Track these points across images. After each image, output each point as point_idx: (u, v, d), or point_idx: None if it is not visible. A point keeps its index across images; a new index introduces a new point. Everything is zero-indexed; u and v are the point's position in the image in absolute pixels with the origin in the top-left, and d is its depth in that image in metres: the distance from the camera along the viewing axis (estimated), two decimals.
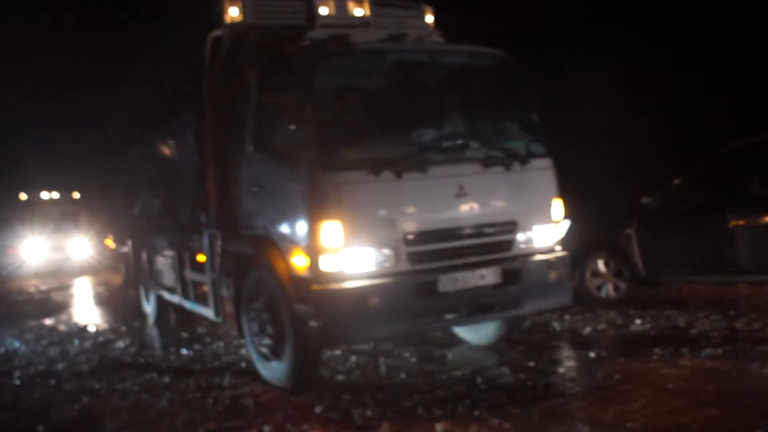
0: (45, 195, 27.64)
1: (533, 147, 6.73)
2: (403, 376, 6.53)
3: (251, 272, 6.67)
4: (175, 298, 9.39)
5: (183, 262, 8.77)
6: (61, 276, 21.63)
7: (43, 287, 18.30)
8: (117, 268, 15.17)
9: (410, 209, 6.09)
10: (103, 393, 6.72)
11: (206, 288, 7.85)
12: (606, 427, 4.88)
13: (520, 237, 6.49)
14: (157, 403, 6.22)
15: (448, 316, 6.29)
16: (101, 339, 9.77)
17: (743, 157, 8.58)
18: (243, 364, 7.45)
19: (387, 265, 5.87)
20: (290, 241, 6.04)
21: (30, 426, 5.79)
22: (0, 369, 8.18)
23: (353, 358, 7.25)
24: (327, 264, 5.73)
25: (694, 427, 4.78)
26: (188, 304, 8.91)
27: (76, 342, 9.61)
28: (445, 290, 6.02)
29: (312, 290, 5.73)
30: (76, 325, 11.33)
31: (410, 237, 5.95)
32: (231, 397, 6.20)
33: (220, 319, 7.62)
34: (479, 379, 6.25)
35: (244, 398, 6.14)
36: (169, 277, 9.49)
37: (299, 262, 5.91)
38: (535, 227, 6.56)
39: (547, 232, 6.66)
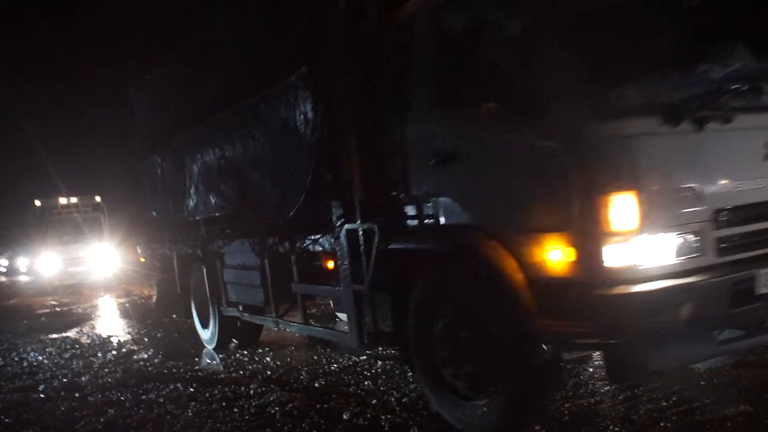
0: (63, 200, 26.02)
1: None
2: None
3: (428, 278, 5.14)
4: (267, 321, 8.04)
5: (280, 272, 7.17)
6: (81, 292, 20.97)
7: (62, 304, 18.39)
8: (150, 283, 14.90)
9: (716, 175, 4.39)
10: (128, 405, 6.72)
11: (330, 305, 7.31)
12: None
13: None
14: (183, 414, 6.22)
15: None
16: (124, 350, 9.85)
17: None
18: (268, 372, 7.47)
19: (693, 256, 4.24)
20: (529, 229, 4.37)
21: None
22: (24, 383, 8.26)
23: (379, 363, 7.26)
24: (614, 257, 4.07)
25: None
26: (295, 328, 7.61)
27: (99, 354, 9.71)
28: (765, 292, 4.35)
29: (589, 296, 4.08)
30: (98, 337, 11.43)
31: (722, 215, 4.31)
32: (257, 406, 6.19)
33: (363, 349, 6.41)
34: None
35: (269, 407, 6.13)
36: (249, 293, 7.95)
37: (556, 256, 4.25)
38: None
39: None
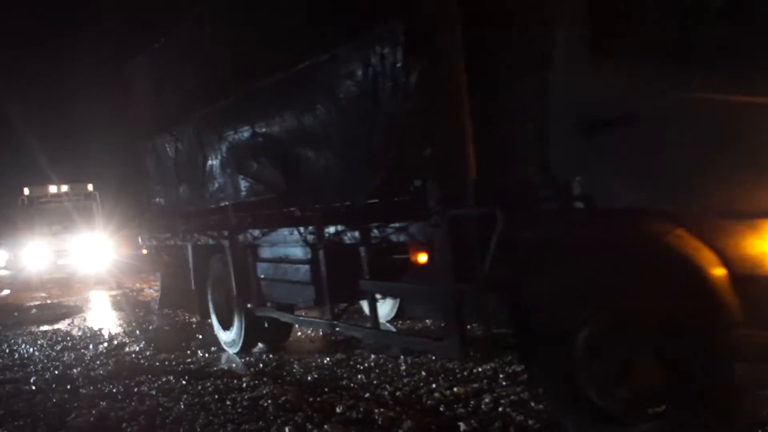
0: (53, 189, 24.73)
1: None
2: (423, 373, 6.54)
3: (573, 276, 4.14)
4: (318, 324, 7.37)
5: (339, 266, 6.23)
6: (71, 285, 20.71)
7: (52, 296, 18.39)
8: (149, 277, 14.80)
9: None
10: (120, 397, 6.74)
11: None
12: None
13: None
14: (175, 406, 6.23)
15: None
16: (115, 343, 9.88)
17: None
18: (260, 365, 7.51)
19: None
20: (739, 213, 3.43)
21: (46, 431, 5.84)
22: (15, 374, 8.30)
23: (372, 357, 7.30)
24: None
25: None
26: (362, 333, 6.91)
27: (91, 346, 9.73)
28: None
29: None
30: (90, 329, 11.45)
31: None
32: (249, 399, 6.21)
33: (465, 360, 6.00)
34: (501, 375, 6.23)
35: (262, 400, 6.14)
36: (293, 291, 6.95)
37: None
38: None
39: None
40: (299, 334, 9.08)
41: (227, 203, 7.77)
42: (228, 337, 8.53)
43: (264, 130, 6.81)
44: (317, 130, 5.98)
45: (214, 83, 7.60)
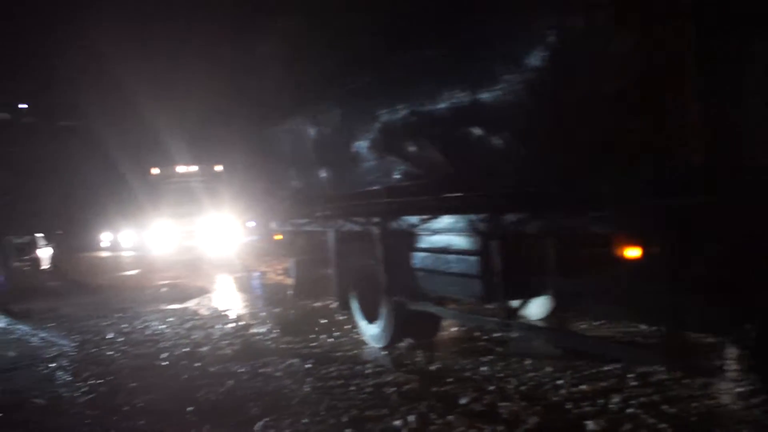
0: (181, 168, 24.46)
1: None
2: (549, 369, 6.46)
3: None
4: (486, 322, 6.58)
5: (515, 259, 5.60)
6: (198, 266, 20.89)
7: (179, 277, 19.07)
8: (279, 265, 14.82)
9: None
10: (246, 377, 6.96)
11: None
12: None
13: None
14: (300, 389, 6.38)
15: None
16: (242, 324, 10.20)
17: None
18: (384, 353, 7.58)
19: None
20: None
21: (178, 407, 6.06)
22: (148, 349, 8.71)
23: (499, 349, 7.26)
24: None
25: None
26: (544, 336, 6.46)
27: (218, 326, 10.08)
28: None
29: None
30: (217, 310, 11.84)
31: None
32: (373, 385, 6.29)
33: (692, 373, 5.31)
34: (630, 375, 6.07)
35: (386, 387, 6.22)
36: (457, 285, 6.33)
37: None
38: None
39: None
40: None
41: (377, 187, 7.13)
42: (372, 330, 7.99)
43: (424, 106, 6.07)
44: (494, 107, 5.19)
45: (364, 55, 7.08)
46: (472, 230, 5.87)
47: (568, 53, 4.49)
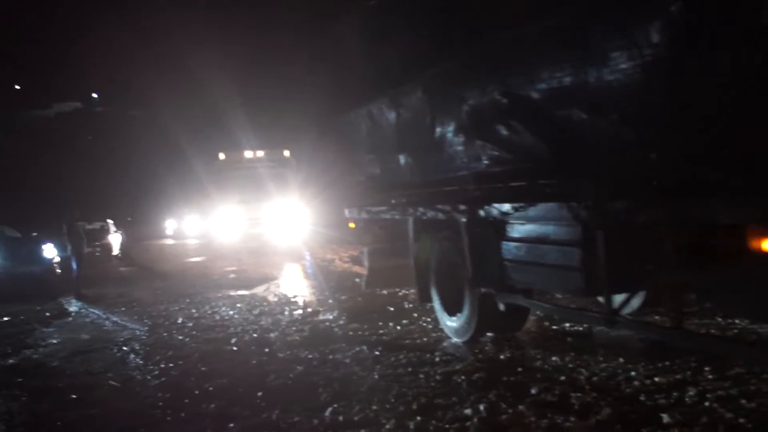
0: (248, 154, 23.61)
1: None
2: (621, 360, 6.38)
3: None
4: (586, 319, 6.43)
5: (624, 251, 5.16)
6: (264, 254, 20.78)
7: (246, 264, 19.31)
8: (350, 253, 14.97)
9: None
10: (315, 363, 7.03)
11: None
12: None
13: None
14: (369, 376, 6.43)
15: None
16: (309, 310, 10.30)
17: None
18: (452, 341, 7.58)
19: None
20: None
21: (248, 392, 6.15)
22: (217, 335, 8.87)
23: (569, 339, 7.20)
24: None
25: None
26: (658, 335, 5.76)
27: (286, 312, 10.21)
28: None
29: None
30: (284, 296, 11.99)
31: None
32: (442, 374, 6.30)
33: None
34: (706, 368, 5.92)
35: (455, 375, 6.22)
36: (554, 277, 5.93)
37: None
38: None
39: None
40: None
41: (462, 173, 6.77)
42: (455, 323, 7.63)
43: (519, 88, 5.70)
44: (601, 89, 4.81)
45: (452, 35, 6.73)
46: (573, 219, 5.39)
47: (694, 32, 4.05)
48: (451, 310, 7.69)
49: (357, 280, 11.61)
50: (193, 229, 31.84)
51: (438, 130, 7.07)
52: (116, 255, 25.43)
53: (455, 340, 7.58)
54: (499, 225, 6.46)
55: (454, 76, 6.80)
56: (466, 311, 7.35)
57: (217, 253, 22.39)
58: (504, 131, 5.96)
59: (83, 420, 5.76)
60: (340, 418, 5.32)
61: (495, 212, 6.34)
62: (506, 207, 6.16)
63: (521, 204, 5.96)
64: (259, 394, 6.07)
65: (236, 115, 27.52)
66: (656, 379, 5.72)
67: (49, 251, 16.50)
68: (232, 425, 5.31)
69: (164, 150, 42.39)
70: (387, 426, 5.06)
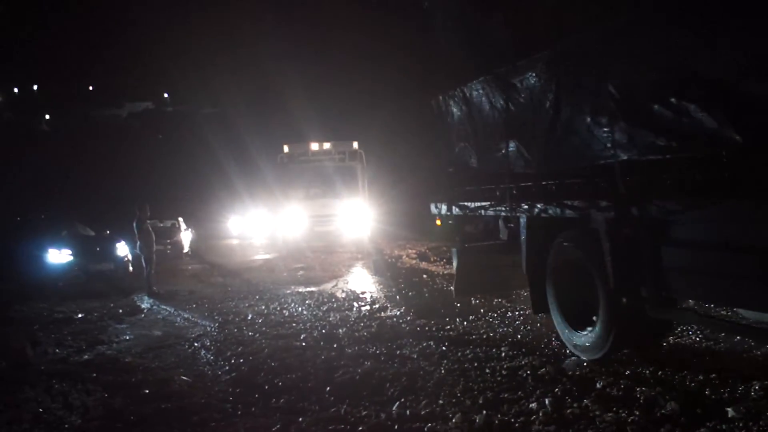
0: (314, 146, 22.25)
1: None
2: (687, 354, 6.39)
3: None
4: None
5: None
6: (333, 252, 20.64)
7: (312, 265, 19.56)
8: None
9: None
10: (383, 358, 7.20)
11: None
12: None
13: None
14: (436, 371, 6.56)
15: None
16: (377, 306, 10.49)
17: None
18: (518, 336, 7.67)
19: None
20: None
21: (317, 387, 6.36)
22: (287, 331, 9.10)
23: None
24: None
25: None
26: None
27: (354, 308, 10.41)
28: None
29: None
30: (352, 292, 12.18)
31: None
32: (508, 368, 6.41)
33: None
34: None
35: (521, 370, 6.33)
36: (740, 291, 4.88)
37: None
38: None
39: None
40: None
41: (602, 163, 5.71)
42: (584, 340, 6.57)
43: (694, 59, 4.73)
44: None
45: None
46: None
47: None
48: (578, 323, 6.68)
49: (446, 287, 11.60)
50: (260, 226, 31.89)
51: (565, 112, 6.16)
52: (186, 252, 25.98)
53: (582, 357, 6.56)
54: (659, 226, 5.50)
55: (591, 50, 5.82)
56: (600, 325, 6.26)
57: (283, 250, 22.22)
58: (667, 112, 4.92)
59: (156, 414, 5.99)
60: (407, 412, 5.46)
61: (655, 210, 5.28)
62: (672, 205, 5.16)
63: (699, 201, 4.90)
64: (328, 388, 6.24)
65: (303, 107, 27.09)
66: (721, 373, 5.69)
67: (122, 249, 17.02)
68: (301, 419, 5.48)
69: (232, 147, 43.03)
70: (453, 420, 5.18)
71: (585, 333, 6.53)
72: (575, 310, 6.72)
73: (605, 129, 5.59)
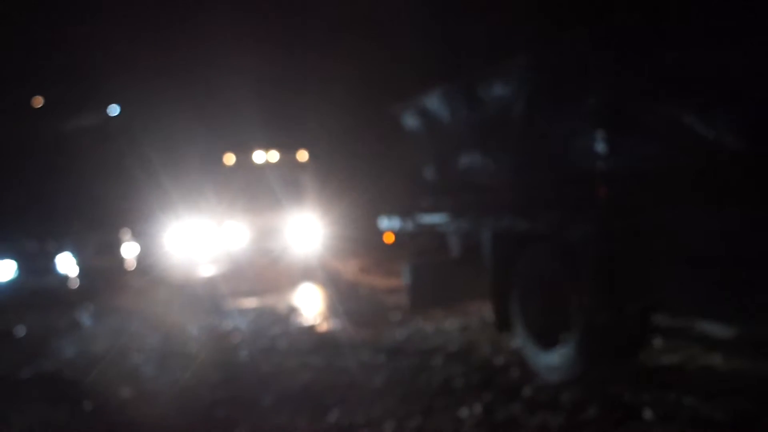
0: (258, 155, 21.03)
1: None
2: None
3: None
4: None
5: None
6: (277, 272, 19.79)
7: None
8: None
9: None
10: (322, 369, 7.46)
11: None
12: None
13: None
14: (372, 381, 6.84)
15: None
16: (318, 319, 10.75)
17: None
18: (453, 347, 7.99)
19: None
20: None
21: (256, 396, 6.60)
22: (229, 345, 9.29)
23: None
24: None
25: None
26: None
27: (296, 323, 10.64)
28: None
29: None
30: (294, 308, 12.38)
31: None
32: (442, 377, 6.71)
33: None
34: None
35: (454, 379, 6.61)
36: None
37: None
38: None
39: None
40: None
41: (583, 172, 5.38)
42: (551, 360, 6.18)
43: (697, 58, 4.42)
44: None
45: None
46: None
47: None
48: (546, 342, 6.29)
49: (387, 300, 11.76)
50: (202, 241, 31.25)
51: (539, 120, 5.93)
52: (130, 266, 25.74)
53: (551, 378, 6.16)
54: (641, 237, 5.09)
55: (574, 55, 5.54)
56: (572, 343, 5.90)
57: (226, 266, 21.58)
58: (652, 120, 4.73)
59: (100, 429, 6.14)
60: (344, 420, 5.73)
61: (638, 221, 4.98)
62: (656, 216, 4.85)
63: (686, 211, 4.61)
64: (268, 399, 6.49)
65: (249, 112, 24.57)
66: (643, 379, 5.99)
67: (64, 263, 16.87)
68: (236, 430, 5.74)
69: (174, 155, 42.39)
70: (387, 427, 5.47)
71: (554, 353, 6.15)
72: (548, 328, 6.30)
73: (586, 137, 5.34)
